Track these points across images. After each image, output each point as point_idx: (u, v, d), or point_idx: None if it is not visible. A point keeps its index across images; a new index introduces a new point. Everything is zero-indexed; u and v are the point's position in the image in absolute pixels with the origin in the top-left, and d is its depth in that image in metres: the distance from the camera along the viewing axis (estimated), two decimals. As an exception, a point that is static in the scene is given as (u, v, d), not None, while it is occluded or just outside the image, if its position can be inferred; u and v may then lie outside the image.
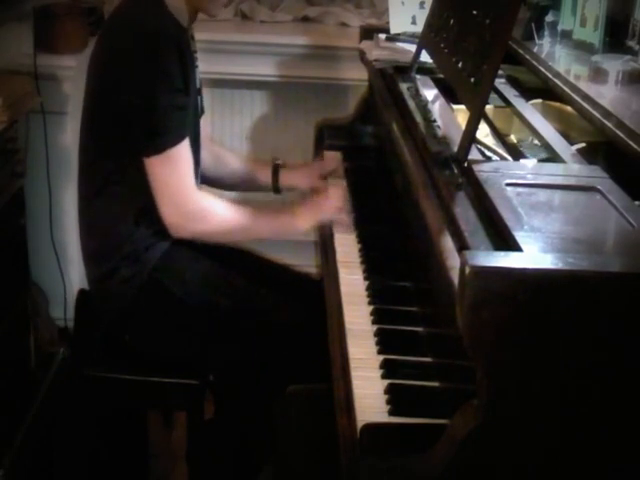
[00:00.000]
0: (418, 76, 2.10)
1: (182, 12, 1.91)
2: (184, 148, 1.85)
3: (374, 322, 1.59)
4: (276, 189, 2.29)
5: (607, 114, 1.53)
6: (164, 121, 1.82)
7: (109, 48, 1.91)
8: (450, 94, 1.88)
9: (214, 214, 1.92)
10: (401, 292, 1.70)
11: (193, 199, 1.89)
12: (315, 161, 2.44)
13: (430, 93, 1.99)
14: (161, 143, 1.82)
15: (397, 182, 1.96)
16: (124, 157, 1.88)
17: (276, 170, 2.27)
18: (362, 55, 2.45)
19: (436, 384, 1.41)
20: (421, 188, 1.55)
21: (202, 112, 2.13)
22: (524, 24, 2.12)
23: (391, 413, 1.32)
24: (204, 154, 2.20)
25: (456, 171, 1.47)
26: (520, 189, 1.32)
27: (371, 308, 1.64)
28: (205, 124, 2.21)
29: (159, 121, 1.82)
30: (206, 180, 2.24)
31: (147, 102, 1.80)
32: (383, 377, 1.42)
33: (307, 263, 2.53)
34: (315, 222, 1.98)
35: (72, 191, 2.73)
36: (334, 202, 1.98)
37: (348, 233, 1.94)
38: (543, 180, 1.37)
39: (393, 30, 2.41)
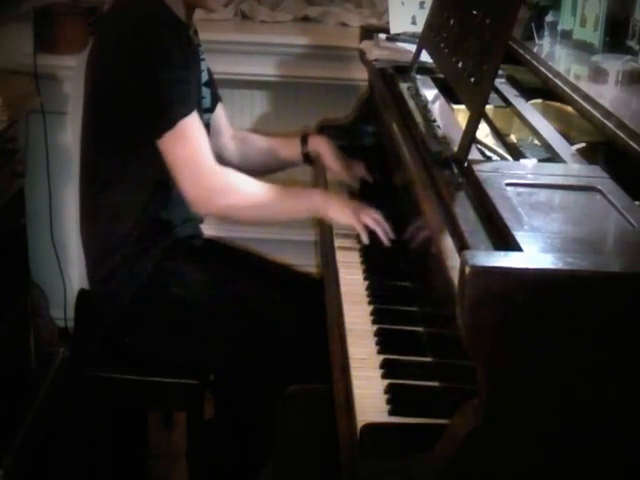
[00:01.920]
0: (418, 76, 2.10)
1: (179, 6, 1.91)
2: (194, 120, 1.82)
3: (374, 322, 1.59)
4: (306, 157, 2.24)
5: (607, 114, 1.53)
6: (168, 95, 1.79)
7: (105, 38, 1.91)
8: (450, 94, 1.88)
9: (239, 187, 1.86)
10: (401, 292, 1.70)
11: (213, 171, 1.83)
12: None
13: (430, 93, 1.98)
14: (169, 117, 1.79)
15: (397, 182, 1.96)
16: (125, 154, 1.87)
17: (305, 139, 2.23)
18: (362, 55, 2.45)
19: (436, 384, 1.41)
20: (421, 188, 1.55)
21: (218, 100, 2.13)
22: (524, 24, 2.12)
23: (391, 413, 1.32)
24: (227, 141, 2.20)
25: (456, 171, 1.47)
26: (520, 189, 1.32)
27: (371, 308, 1.64)
28: (223, 113, 2.21)
29: (163, 96, 1.79)
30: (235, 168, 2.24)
31: (148, 80, 1.79)
32: (383, 377, 1.42)
33: (307, 263, 2.53)
34: (348, 223, 1.86)
35: (72, 191, 2.74)
36: (374, 214, 1.87)
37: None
38: (543, 180, 1.37)
39: (393, 30, 2.41)
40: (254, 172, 2.29)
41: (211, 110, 2.09)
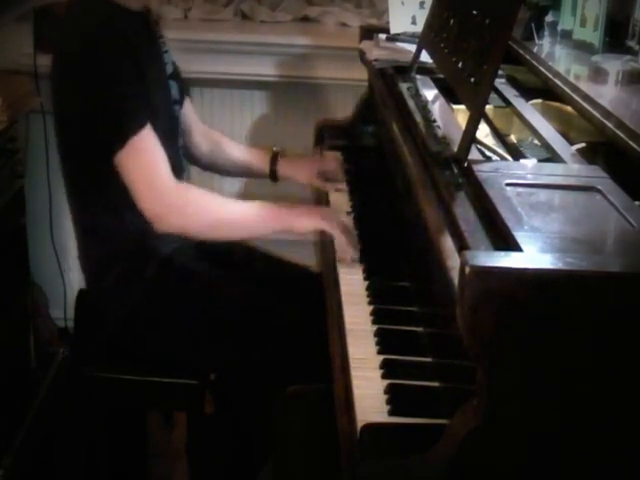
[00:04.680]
0: (418, 76, 2.10)
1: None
2: (148, 136, 1.78)
3: (374, 322, 1.59)
4: (273, 176, 2.24)
5: (607, 114, 1.53)
6: (116, 112, 1.76)
7: (57, 54, 1.89)
8: (450, 94, 1.88)
9: (200, 206, 1.83)
10: (401, 292, 1.70)
11: (172, 189, 1.79)
12: (315, 156, 2.41)
13: (430, 93, 1.98)
14: (121, 134, 1.76)
15: (397, 182, 1.96)
16: (98, 168, 1.85)
17: (275, 158, 2.24)
18: (362, 55, 2.45)
19: (436, 384, 1.41)
20: (421, 188, 1.55)
21: (185, 96, 2.09)
22: (524, 24, 2.12)
23: (391, 413, 1.32)
24: (197, 139, 2.19)
25: (456, 171, 1.47)
26: (520, 189, 1.32)
27: (371, 308, 1.64)
28: (190, 108, 2.19)
29: (111, 113, 1.77)
30: (201, 166, 2.23)
31: (95, 99, 1.78)
32: (383, 377, 1.42)
33: (307, 263, 2.53)
34: (315, 227, 1.86)
35: (72, 191, 2.74)
36: (339, 216, 1.89)
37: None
38: (543, 180, 1.37)
39: (393, 30, 2.41)
40: (221, 173, 2.30)
41: (179, 102, 2.07)
